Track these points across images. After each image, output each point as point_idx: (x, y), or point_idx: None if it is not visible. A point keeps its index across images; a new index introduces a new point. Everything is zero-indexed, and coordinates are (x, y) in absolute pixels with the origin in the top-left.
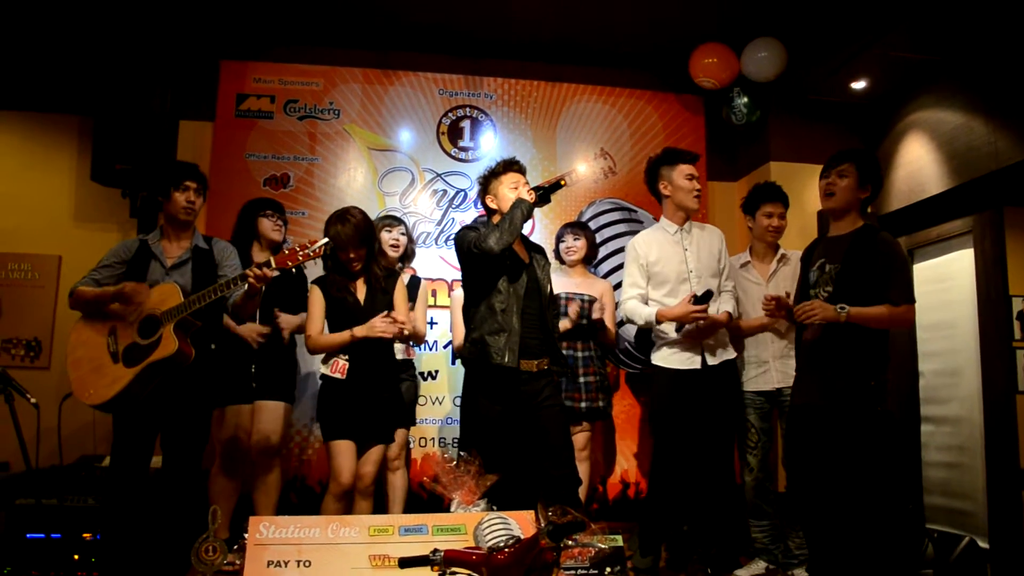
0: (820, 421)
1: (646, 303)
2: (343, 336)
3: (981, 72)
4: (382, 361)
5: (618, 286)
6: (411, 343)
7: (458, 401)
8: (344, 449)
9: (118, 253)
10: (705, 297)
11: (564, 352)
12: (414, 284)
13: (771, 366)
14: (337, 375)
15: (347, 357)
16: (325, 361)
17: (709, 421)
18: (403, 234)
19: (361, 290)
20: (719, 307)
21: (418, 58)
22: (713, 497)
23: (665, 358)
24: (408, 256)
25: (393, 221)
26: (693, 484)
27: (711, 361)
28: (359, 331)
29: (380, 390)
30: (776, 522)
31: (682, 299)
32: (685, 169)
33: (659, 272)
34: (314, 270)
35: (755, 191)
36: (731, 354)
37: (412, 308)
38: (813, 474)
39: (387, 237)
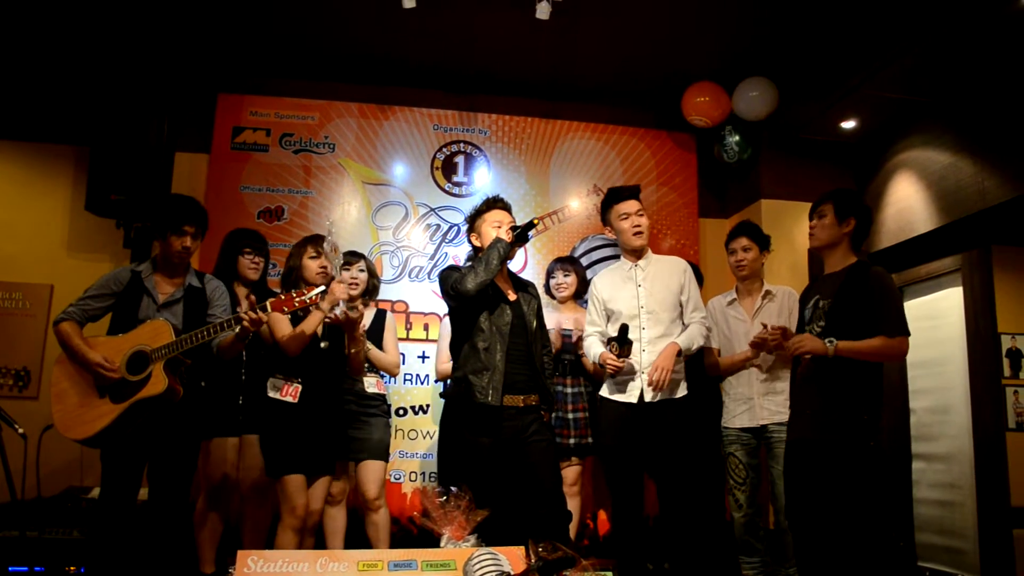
0: (813, 456)
1: (607, 341)
2: (314, 318)
3: (969, 113)
4: (334, 386)
5: None
6: (382, 376)
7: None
8: (299, 484)
9: (108, 285)
10: (622, 333)
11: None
12: (379, 318)
13: (756, 403)
14: (288, 399)
15: (300, 379)
16: (274, 386)
17: (661, 456)
18: (362, 270)
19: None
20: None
21: (413, 94)
22: (694, 533)
23: (608, 389)
24: (371, 292)
25: (351, 257)
26: (671, 520)
27: (648, 397)
28: (324, 305)
29: (331, 419)
30: (767, 559)
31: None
32: (619, 209)
33: (614, 310)
34: None
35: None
36: (674, 393)
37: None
38: (809, 509)
39: (345, 276)
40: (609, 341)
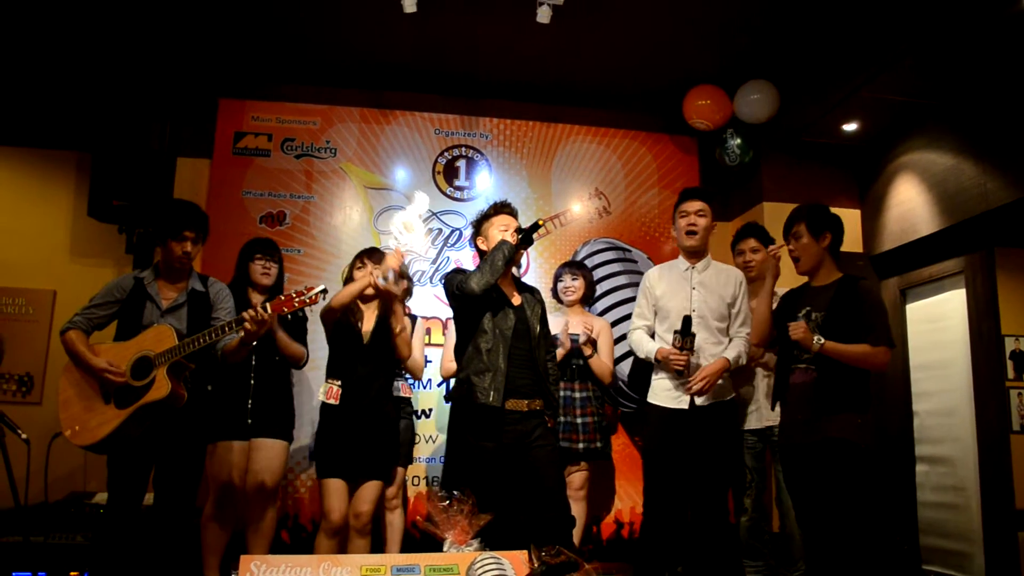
0: (809, 461)
1: (652, 336)
2: (362, 282)
3: (971, 115)
4: (378, 389)
5: (614, 324)
6: (407, 379)
7: None
8: (335, 489)
9: (112, 292)
10: (685, 327)
11: (562, 392)
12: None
13: (761, 404)
14: (331, 401)
15: (339, 383)
16: (321, 390)
17: (700, 462)
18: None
19: (370, 319)
20: (724, 351)
21: (415, 98)
22: (708, 538)
23: (656, 395)
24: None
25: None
26: (688, 524)
27: (699, 402)
28: (378, 273)
29: (377, 424)
30: (771, 563)
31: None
32: (682, 207)
33: (663, 307)
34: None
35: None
36: (725, 395)
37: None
38: (814, 513)
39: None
40: (674, 333)
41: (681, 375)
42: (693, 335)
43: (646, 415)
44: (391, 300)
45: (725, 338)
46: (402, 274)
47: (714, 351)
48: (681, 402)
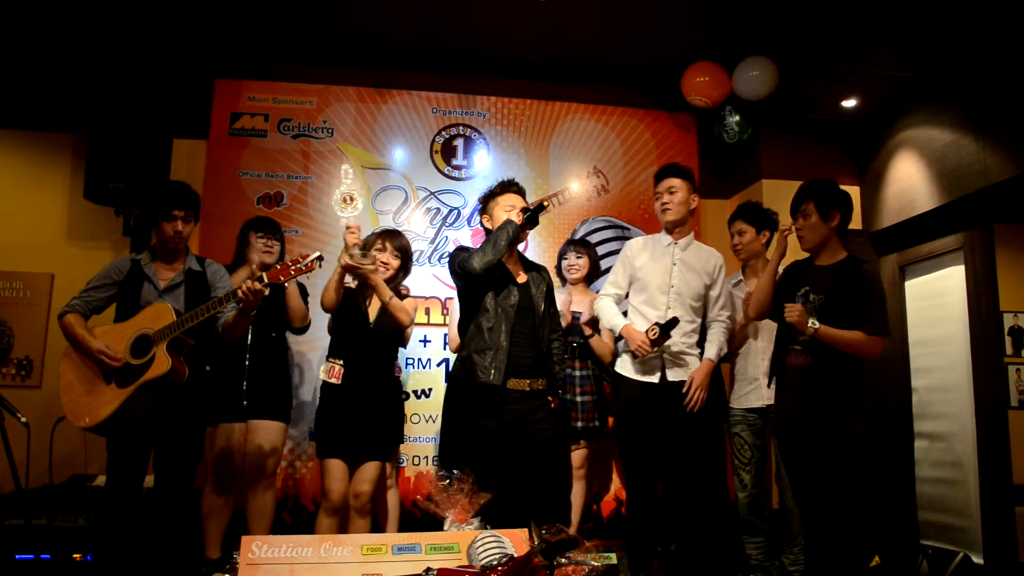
0: (806, 442)
1: (654, 324)
2: (335, 271)
3: (970, 90)
4: (380, 370)
5: None
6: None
7: None
8: (335, 468)
9: (109, 275)
10: (669, 326)
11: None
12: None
13: (761, 382)
14: (333, 380)
15: (342, 362)
16: (324, 369)
17: (674, 437)
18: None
19: (376, 301)
20: (706, 349)
21: (412, 77)
22: (699, 514)
23: (626, 367)
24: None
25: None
26: (676, 501)
27: (672, 377)
28: (343, 257)
29: (377, 404)
30: (771, 539)
31: (648, 327)
32: (660, 185)
33: (641, 278)
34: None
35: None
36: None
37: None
38: (811, 491)
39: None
40: (655, 325)
41: (635, 357)
42: (669, 336)
43: (617, 386)
44: (366, 276)
45: (698, 317)
46: (366, 245)
47: (687, 328)
48: (651, 376)
